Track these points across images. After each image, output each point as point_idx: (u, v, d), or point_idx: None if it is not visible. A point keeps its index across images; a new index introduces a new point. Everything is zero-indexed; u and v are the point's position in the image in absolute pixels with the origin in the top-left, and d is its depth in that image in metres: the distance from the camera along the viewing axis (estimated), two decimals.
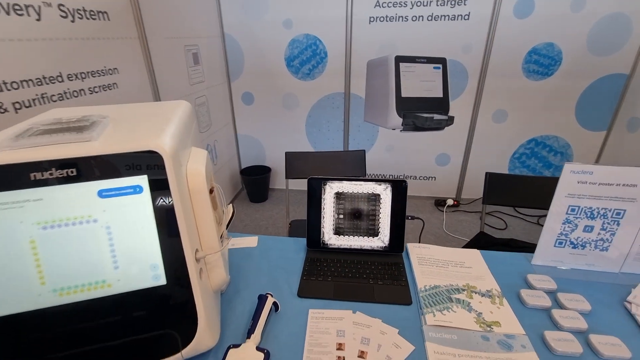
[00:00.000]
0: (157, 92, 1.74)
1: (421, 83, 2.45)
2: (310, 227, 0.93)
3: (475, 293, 0.79)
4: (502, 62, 2.30)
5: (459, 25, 2.25)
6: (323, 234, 0.93)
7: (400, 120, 2.54)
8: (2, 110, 1.01)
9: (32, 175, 0.47)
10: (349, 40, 2.39)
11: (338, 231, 0.92)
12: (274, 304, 0.73)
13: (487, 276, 0.84)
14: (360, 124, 2.66)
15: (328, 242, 0.93)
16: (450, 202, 2.66)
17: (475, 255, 0.93)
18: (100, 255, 0.51)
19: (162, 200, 0.52)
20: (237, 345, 0.64)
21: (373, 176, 2.78)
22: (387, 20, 2.30)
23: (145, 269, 0.53)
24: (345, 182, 0.91)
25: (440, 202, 2.71)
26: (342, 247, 0.93)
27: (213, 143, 2.49)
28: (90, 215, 0.50)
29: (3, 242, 0.47)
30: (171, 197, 0.52)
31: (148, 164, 0.51)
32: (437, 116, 2.52)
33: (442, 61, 2.38)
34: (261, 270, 0.88)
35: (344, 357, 0.63)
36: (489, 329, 0.69)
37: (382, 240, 0.91)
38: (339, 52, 2.45)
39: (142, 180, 0.51)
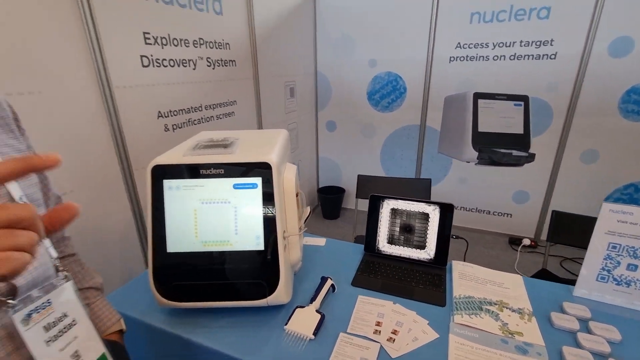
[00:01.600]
0: (261, 119, 2.18)
1: (500, 119, 2.47)
2: (368, 235, 1.14)
3: (507, 308, 0.89)
4: (593, 101, 2.21)
5: (544, 64, 2.25)
6: (378, 241, 1.13)
7: (476, 153, 2.58)
8: (166, 129, 1.49)
9: (201, 171, 0.80)
10: (428, 78, 2.58)
11: (391, 241, 1.12)
12: (332, 285, 0.96)
13: (522, 297, 0.94)
14: (434, 155, 2.77)
15: (382, 249, 1.13)
16: (526, 242, 2.53)
17: (516, 279, 1.02)
18: (228, 224, 0.82)
19: (267, 194, 0.81)
20: (302, 307, 0.88)
21: None
22: (467, 60, 2.43)
23: (252, 237, 0.82)
24: (400, 200, 1.11)
25: (515, 241, 2.60)
26: (393, 254, 1.11)
27: (297, 162, 2.88)
28: (227, 198, 0.81)
29: (182, 208, 0.81)
30: (273, 193, 0.81)
31: (262, 170, 0.80)
32: (516, 152, 2.49)
33: (524, 99, 2.38)
34: (325, 262, 1.12)
35: (380, 331, 0.82)
36: (510, 336, 0.80)
37: (428, 253, 1.08)
38: (417, 87, 2.65)
39: (258, 180, 0.81)
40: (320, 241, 1.26)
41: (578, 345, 0.77)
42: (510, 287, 0.98)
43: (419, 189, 1.86)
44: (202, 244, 0.82)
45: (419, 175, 2.86)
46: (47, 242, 0.52)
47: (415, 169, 2.87)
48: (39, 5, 0.99)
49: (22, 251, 0.30)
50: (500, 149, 2.53)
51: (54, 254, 0.52)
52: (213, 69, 1.72)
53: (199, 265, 0.82)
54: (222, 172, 0.80)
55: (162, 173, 0.81)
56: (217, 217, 0.81)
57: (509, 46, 2.30)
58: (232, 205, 0.81)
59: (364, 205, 1.99)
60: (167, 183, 0.81)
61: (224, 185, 0.81)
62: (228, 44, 1.80)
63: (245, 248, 0.82)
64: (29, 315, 0.46)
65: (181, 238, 0.81)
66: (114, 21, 1.19)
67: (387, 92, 2.77)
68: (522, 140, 2.46)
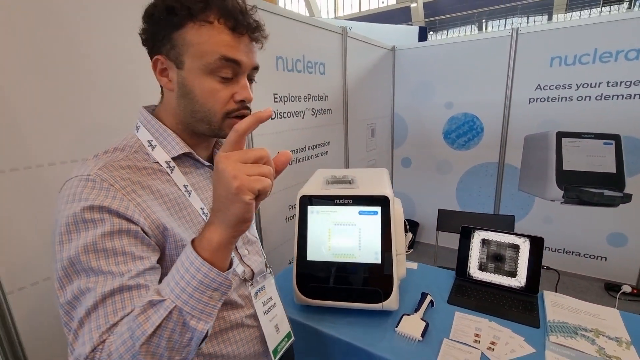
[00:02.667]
0: (348, 157, 2.49)
1: (588, 158, 2.43)
2: (460, 262, 1.30)
3: (603, 336, 0.97)
4: None
5: (637, 103, 2.21)
6: (469, 267, 1.28)
7: (561, 192, 2.53)
8: None
9: (335, 200, 1.08)
10: (507, 118, 2.66)
11: (481, 267, 1.26)
12: (431, 301, 1.14)
13: (619, 328, 1.00)
14: (514, 193, 2.77)
15: (473, 275, 1.27)
16: (627, 288, 2.33)
17: (612, 313, 1.07)
18: (353, 242, 1.06)
19: (385, 220, 1.05)
20: (408, 314, 1.07)
21: None
22: (548, 101, 2.49)
23: (372, 253, 1.05)
24: (490, 232, 1.25)
25: (612, 287, 2.41)
26: (484, 280, 1.25)
27: None
28: (354, 222, 1.07)
29: (320, 228, 1.08)
30: (389, 219, 1.04)
31: (382, 201, 1.05)
32: (608, 192, 2.39)
33: (615, 137, 2.33)
34: (420, 283, 1.29)
35: (479, 341, 0.97)
36: (608, 358, 0.88)
37: (519, 281, 1.19)
38: (495, 127, 2.74)
39: (378, 209, 1.05)
40: (413, 265, 1.44)
41: None
42: (607, 318, 1.04)
43: (501, 225, 1.93)
44: (334, 255, 1.07)
45: (497, 211, 2.85)
46: (260, 246, 0.82)
47: (493, 205, 2.88)
48: None
49: (266, 177, 0.45)
50: (590, 188, 2.45)
51: (264, 255, 0.82)
52: (315, 117, 2.09)
53: (330, 272, 1.07)
54: (351, 202, 1.07)
55: (306, 201, 1.10)
56: (345, 235, 1.07)
57: (595, 87, 2.31)
58: (357, 227, 1.07)
59: (442, 238, 2.11)
60: (310, 208, 1.10)
61: (351, 211, 1.07)
62: (327, 96, 2.17)
63: (366, 261, 1.05)
64: (256, 292, 0.74)
65: (318, 250, 1.09)
66: (258, 88, 1.60)
67: (463, 132, 2.91)
68: (615, 180, 2.37)
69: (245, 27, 0.57)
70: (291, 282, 1.10)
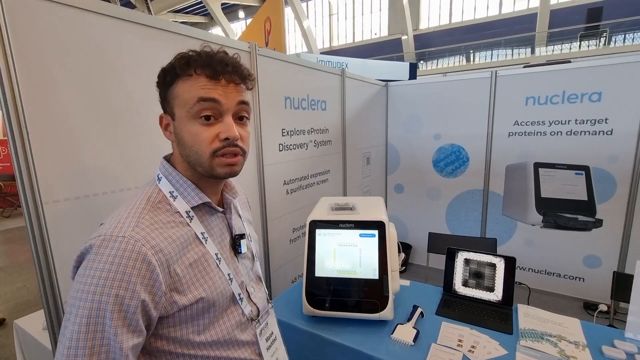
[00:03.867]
0: (346, 184, 2.70)
1: (562, 186, 2.68)
2: (446, 278, 1.49)
3: (564, 340, 1.15)
4: None
5: (602, 139, 2.49)
6: (454, 284, 1.47)
7: (540, 217, 2.76)
8: (287, 193, 2.05)
9: (339, 224, 1.28)
10: (489, 149, 2.93)
11: (465, 284, 1.45)
12: (421, 312, 1.31)
13: (578, 334, 1.19)
14: (498, 217, 2.99)
15: (457, 290, 1.46)
16: (603, 307, 2.52)
17: (574, 321, 1.26)
18: (354, 260, 1.25)
19: (382, 241, 1.24)
20: (402, 323, 1.25)
21: None
22: (525, 135, 2.77)
23: (371, 269, 1.24)
24: (471, 252, 1.46)
25: (590, 306, 2.60)
26: (466, 295, 1.43)
27: None
28: (355, 243, 1.26)
29: (326, 248, 1.27)
30: (385, 241, 1.24)
31: (378, 225, 1.25)
32: (581, 217, 2.63)
33: (584, 168, 2.59)
34: (411, 297, 1.47)
35: (462, 345, 1.15)
36: (566, 358, 1.07)
37: (496, 295, 1.38)
38: (479, 157, 3.00)
39: (375, 232, 1.25)
40: (406, 282, 1.62)
41: None
42: (569, 326, 1.23)
43: (485, 247, 2.14)
44: (338, 271, 1.26)
45: (484, 235, 3.06)
46: (263, 282, 0.87)
47: (480, 229, 3.09)
48: None
49: None
50: (565, 214, 2.69)
51: (266, 290, 0.85)
52: (317, 148, 2.32)
53: (335, 286, 1.25)
54: (353, 226, 1.27)
55: (315, 225, 1.30)
56: (348, 254, 1.26)
57: (565, 123, 2.60)
58: (358, 247, 1.26)
59: (433, 259, 2.29)
60: (318, 231, 1.29)
61: (353, 234, 1.27)
62: (327, 129, 2.41)
63: (366, 276, 1.24)
64: (261, 330, 0.76)
65: (324, 267, 1.27)
66: (268, 124, 1.84)
67: (450, 161, 3.16)
68: (587, 207, 2.61)
69: (221, 72, 0.61)
70: (297, 296, 1.28)
